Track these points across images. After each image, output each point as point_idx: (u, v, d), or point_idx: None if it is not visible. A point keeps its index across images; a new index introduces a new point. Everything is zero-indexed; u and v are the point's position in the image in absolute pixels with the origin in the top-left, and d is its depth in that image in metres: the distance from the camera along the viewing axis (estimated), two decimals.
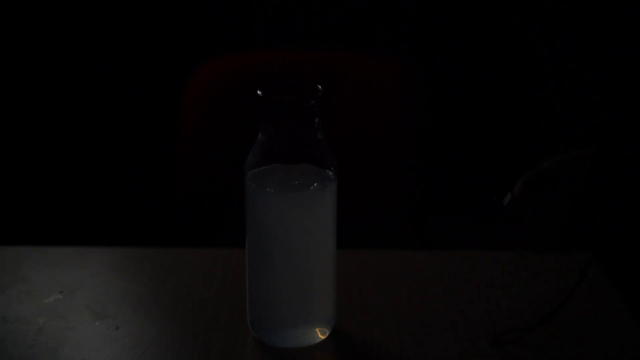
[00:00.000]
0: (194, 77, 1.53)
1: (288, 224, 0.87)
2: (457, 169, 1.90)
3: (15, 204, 1.91)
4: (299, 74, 1.50)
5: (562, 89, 1.81)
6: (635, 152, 0.82)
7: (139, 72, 1.87)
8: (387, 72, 1.53)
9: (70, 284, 1.03)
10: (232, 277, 1.04)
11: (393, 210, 1.55)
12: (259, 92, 0.86)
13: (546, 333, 0.94)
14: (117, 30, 1.85)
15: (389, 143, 1.51)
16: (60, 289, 1.02)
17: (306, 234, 0.88)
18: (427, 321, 0.96)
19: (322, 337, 0.92)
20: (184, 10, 1.85)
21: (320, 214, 0.88)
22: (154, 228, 1.87)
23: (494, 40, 1.86)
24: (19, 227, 1.87)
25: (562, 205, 0.87)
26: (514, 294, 1.01)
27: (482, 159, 1.90)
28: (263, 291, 0.90)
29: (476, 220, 1.92)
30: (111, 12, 1.84)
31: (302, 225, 0.88)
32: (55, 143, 1.90)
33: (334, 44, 1.85)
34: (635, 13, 1.68)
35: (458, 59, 1.87)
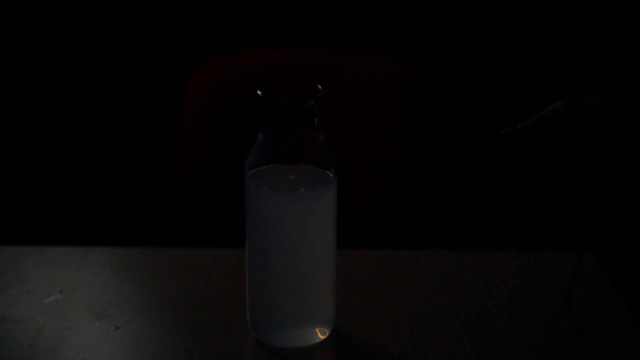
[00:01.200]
0: (194, 77, 1.53)
1: (288, 224, 0.87)
2: (457, 168, 1.90)
3: (15, 204, 1.91)
4: (298, 74, 1.50)
5: (561, 88, 1.81)
6: (635, 152, 0.83)
7: (139, 72, 1.87)
8: (387, 71, 1.53)
9: (70, 284, 1.03)
10: (232, 277, 1.04)
11: (393, 210, 1.55)
12: (259, 92, 0.86)
13: (546, 333, 0.94)
14: (117, 30, 1.85)
15: (389, 143, 1.51)
16: (60, 289, 1.02)
17: (306, 234, 0.88)
18: (427, 321, 0.96)
19: (322, 337, 0.92)
20: (184, 10, 1.85)
21: (320, 214, 0.88)
22: (154, 228, 1.88)
23: (493, 39, 1.86)
24: (19, 227, 1.87)
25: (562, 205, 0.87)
26: (514, 294, 1.01)
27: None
28: (263, 291, 0.90)
29: (476, 220, 1.92)
30: (111, 12, 1.84)
31: (302, 225, 0.88)
32: (55, 143, 1.90)
33: (333, 44, 1.85)
34: (636, 13, 1.68)
35: (457, 58, 1.87)
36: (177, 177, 1.55)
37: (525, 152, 0.85)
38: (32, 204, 1.92)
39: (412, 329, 0.95)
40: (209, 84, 1.53)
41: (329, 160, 0.89)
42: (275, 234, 0.88)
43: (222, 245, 1.17)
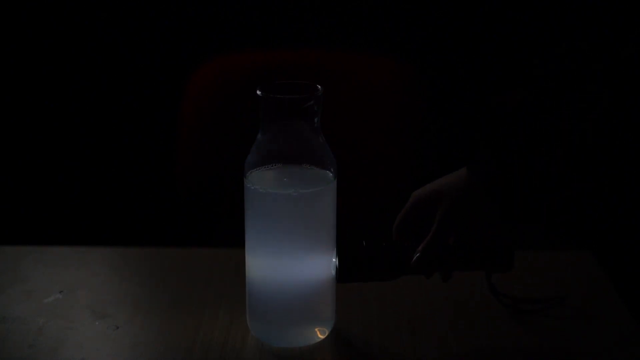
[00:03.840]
0: (194, 76, 1.53)
1: (288, 224, 0.87)
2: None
3: (15, 204, 1.91)
4: (298, 74, 1.50)
5: (561, 85, 1.81)
6: (635, 152, 0.83)
7: (139, 72, 1.87)
8: (387, 71, 1.53)
9: (70, 284, 1.03)
10: (232, 277, 1.04)
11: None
12: (258, 92, 0.86)
13: (546, 332, 0.94)
14: (117, 30, 1.85)
15: (389, 143, 1.51)
16: (60, 289, 1.02)
17: (306, 234, 0.88)
18: (427, 321, 0.96)
19: (322, 337, 0.92)
20: (184, 10, 1.85)
21: (320, 214, 0.88)
22: (154, 228, 1.87)
23: (493, 39, 1.86)
24: (19, 227, 1.87)
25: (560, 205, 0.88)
26: (514, 293, 1.01)
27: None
28: (263, 291, 0.90)
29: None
30: (111, 12, 1.84)
31: (302, 225, 0.88)
32: (55, 143, 1.90)
33: (333, 44, 1.85)
34: (636, 13, 1.68)
35: (457, 58, 1.87)
36: (177, 177, 1.55)
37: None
38: (32, 204, 1.91)
39: (412, 329, 0.95)
40: (209, 84, 1.53)
41: (329, 160, 0.89)
42: (275, 234, 0.88)
43: (222, 245, 1.17)
